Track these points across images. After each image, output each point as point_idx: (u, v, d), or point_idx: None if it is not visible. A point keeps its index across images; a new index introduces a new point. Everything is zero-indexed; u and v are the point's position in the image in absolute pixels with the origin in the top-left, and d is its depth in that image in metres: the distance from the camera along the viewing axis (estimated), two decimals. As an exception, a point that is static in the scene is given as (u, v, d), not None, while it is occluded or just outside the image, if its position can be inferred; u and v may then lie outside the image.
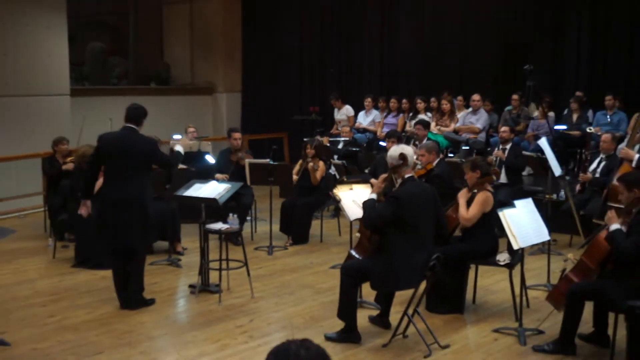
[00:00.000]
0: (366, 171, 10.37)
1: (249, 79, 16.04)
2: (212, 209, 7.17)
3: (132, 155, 6.41)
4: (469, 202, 6.31)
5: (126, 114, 6.55)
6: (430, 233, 5.62)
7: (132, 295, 6.52)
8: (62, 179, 9.01)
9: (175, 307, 6.81)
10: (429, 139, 10.38)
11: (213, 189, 6.87)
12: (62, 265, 8.09)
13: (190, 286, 7.12)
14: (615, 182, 6.99)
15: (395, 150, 5.70)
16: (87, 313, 6.43)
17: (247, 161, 8.97)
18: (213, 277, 7.09)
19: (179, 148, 7.02)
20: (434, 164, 8.11)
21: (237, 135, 9.46)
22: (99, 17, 17.61)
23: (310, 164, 9.17)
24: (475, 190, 6.33)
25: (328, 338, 5.70)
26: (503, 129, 9.59)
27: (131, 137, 6.46)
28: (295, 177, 9.20)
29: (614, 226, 5.25)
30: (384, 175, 5.79)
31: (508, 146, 9.39)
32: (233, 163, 9.25)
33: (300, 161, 9.49)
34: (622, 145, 8.55)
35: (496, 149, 9.58)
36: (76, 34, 14.71)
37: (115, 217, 6.39)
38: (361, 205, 5.79)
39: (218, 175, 8.99)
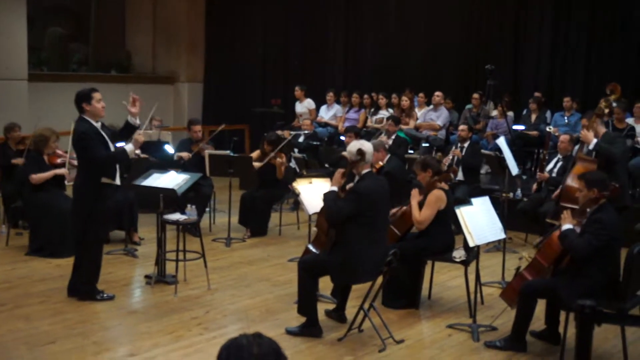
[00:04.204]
0: (326, 165, 10.39)
1: (211, 69, 15.94)
2: (171, 199, 7.11)
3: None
4: (423, 202, 6.34)
5: None
6: (387, 227, 5.63)
7: (79, 285, 6.39)
8: (16, 165, 8.83)
9: (131, 298, 6.74)
10: (398, 135, 10.42)
11: (172, 179, 6.81)
12: (15, 253, 7.95)
13: (146, 276, 7.06)
14: (568, 182, 7.07)
15: (354, 145, 5.66)
16: (40, 302, 6.34)
17: (207, 152, 8.92)
18: (169, 268, 7.03)
19: (128, 146, 6.31)
20: (384, 161, 8.09)
21: (198, 127, 9.43)
22: (59, 1, 17.29)
23: (278, 160, 9.08)
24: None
25: (289, 332, 5.69)
26: (461, 127, 9.75)
27: (75, 127, 6.32)
28: (256, 164, 9.11)
29: (567, 226, 5.32)
30: (341, 170, 5.78)
31: (466, 144, 9.51)
32: (194, 152, 9.20)
33: (258, 151, 9.42)
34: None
35: (454, 147, 9.67)
36: (36, 17, 14.42)
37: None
38: (322, 197, 5.77)
39: (180, 154, 9.07)
